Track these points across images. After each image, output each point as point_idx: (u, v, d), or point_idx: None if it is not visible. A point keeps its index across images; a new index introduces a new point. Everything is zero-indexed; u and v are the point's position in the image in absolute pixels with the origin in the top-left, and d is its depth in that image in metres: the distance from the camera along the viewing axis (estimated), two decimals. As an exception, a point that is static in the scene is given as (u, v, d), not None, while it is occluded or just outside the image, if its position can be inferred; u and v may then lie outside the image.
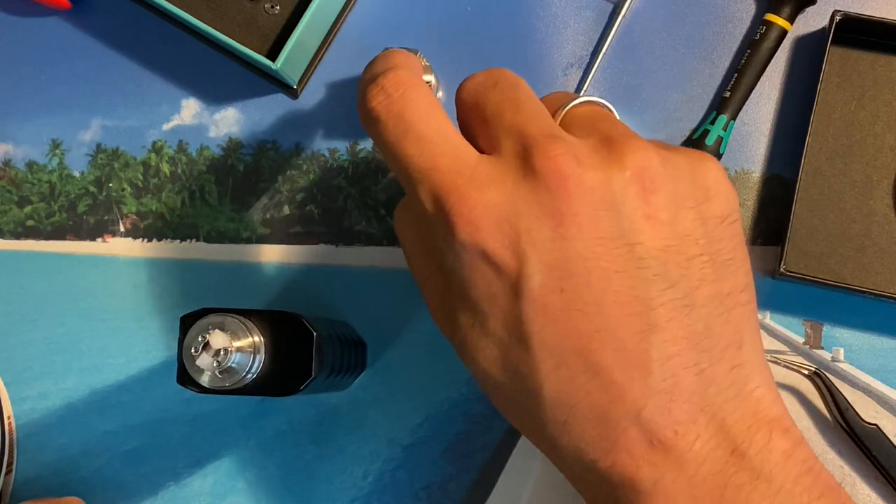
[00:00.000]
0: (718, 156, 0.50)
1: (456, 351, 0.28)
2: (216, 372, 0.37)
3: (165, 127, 0.54)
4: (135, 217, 0.53)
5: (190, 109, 0.54)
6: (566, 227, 0.24)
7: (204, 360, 0.36)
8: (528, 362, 0.24)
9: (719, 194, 0.26)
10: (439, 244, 0.25)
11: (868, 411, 0.48)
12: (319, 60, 0.53)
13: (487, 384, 0.26)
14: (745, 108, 0.50)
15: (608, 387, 0.23)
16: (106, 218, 0.53)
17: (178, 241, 0.53)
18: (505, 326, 0.24)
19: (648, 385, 0.23)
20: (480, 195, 0.24)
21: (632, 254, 0.24)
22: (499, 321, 0.24)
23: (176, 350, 0.38)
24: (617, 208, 0.24)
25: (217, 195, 0.53)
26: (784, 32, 0.50)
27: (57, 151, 0.54)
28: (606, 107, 0.32)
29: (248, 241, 0.53)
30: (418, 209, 0.26)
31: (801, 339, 0.49)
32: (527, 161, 0.25)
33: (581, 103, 0.30)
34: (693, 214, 0.25)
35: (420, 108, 0.28)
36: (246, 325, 0.38)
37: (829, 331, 0.49)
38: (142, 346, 0.52)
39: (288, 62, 0.49)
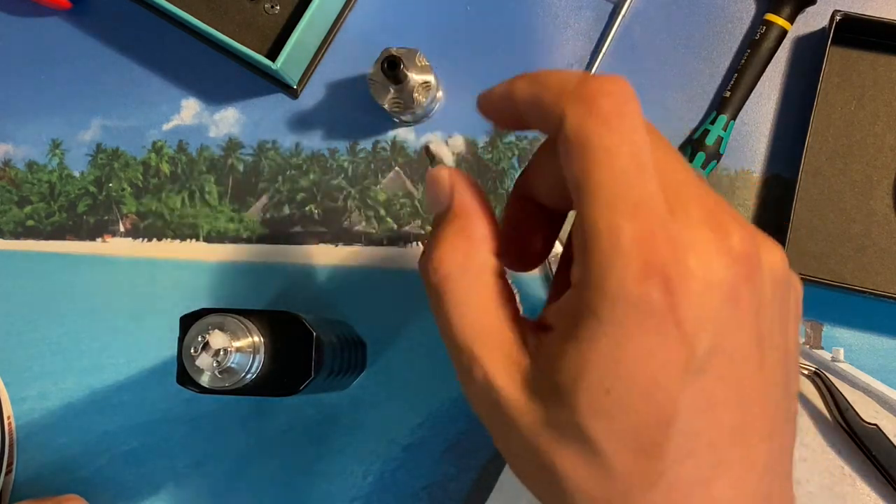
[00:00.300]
0: (718, 156, 0.50)
1: (532, 425, 0.24)
2: (216, 372, 0.37)
3: (165, 127, 0.54)
4: (135, 217, 0.53)
5: (190, 109, 0.54)
6: (743, 315, 0.23)
7: (204, 360, 0.36)
8: (661, 444, 0.22)
9: (800, 301, 0.27)
10: (606, 282, 0.22)
11: (868, 411, 0.48)
12: (319, 60, 0.53)
13: (594, 464, 0.23)
14: (745, 108, 0.50)
15: (722, 485, 0.23)
16: (106, 218, 0.53)
17: (178, 241, 0.53)
18: (652, 401, 0.22)
19: (755, 490, 0.24)
20: (683, 255, 0.22)
21: (771, 354, 0.24)
22: (647, 394, 0.22)
23: (176, 350, 0.38)
24: (771, 305, 0.24)
25: (217, 195, 0.53)
26: (784, 32, 0.50)
27: (57, 151, 0.54)
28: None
29: (248, 241, 0.53)
30: (592, 228, 0.23)
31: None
32: (722, 237, 0.23)
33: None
34: (795, 319, 0.26)
35: (644, 136, 0.24)
36: (246, 325, 0.38)
37: (829, 331, 0.49)
38: (142, 346, 0.52)
39: (288, 62, 0.49)
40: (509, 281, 0.27)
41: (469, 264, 0.26)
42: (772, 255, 0.25)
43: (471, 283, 0.26)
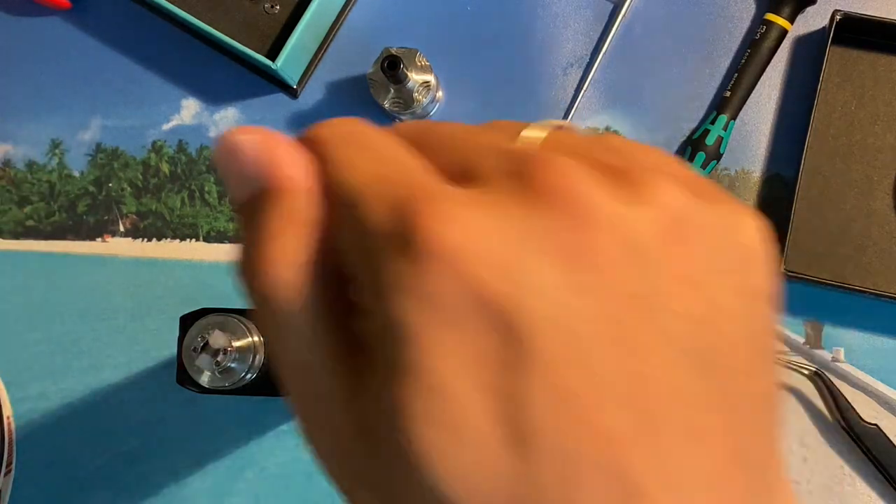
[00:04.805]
0: (718, 156, 0.50)
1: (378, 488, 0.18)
2: (216, 372, 0.37)
3: (165, 127, 0.54)
4: (135, 217, 0.53)
5: (190, 109, 0.54)
6: (584, 271, 0.16)
7: (204, 360, 0.36)
8: (528, 473, 0.16)
9: (763, 261, 0.19)
10: (377, 287, 0.17)
11: (868, 411, 0.48)
12: (319, 60, 0.53)
13: None
14: (745, 107, 0.50)
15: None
16: (106, 218, 0.53)
17: (178, 241, 0.53)
18: (495, 417, 0.16)
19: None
20: (462, 211, 0.16)
21: (663, 324, 0.17)
22: (484, 409, 0.16)
23: (176, 350, 0.38)
24: (643, 256, 0.17)
25: (217, 195, 0.53)
26: (784, 32, 0.50)
27: (56, 151, 0.54)
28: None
29: (248, 241, 0.53)
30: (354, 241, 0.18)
31: (801, 339, 0.49)
32: (522, 178, 0.17)
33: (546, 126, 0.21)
34: (731, 282, 0.18)
35: (386, 137, 0.19)
36: (245, 325, 0.38)
37: (829, 331, 0.49)
38: (142, 346, 0.52)
39: (288, 62, 0.49)
40: None
41: (306, 259, 0.19)
42: (639, 190, 0.18)
43: (307, 286, 0.18)
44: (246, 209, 0.19)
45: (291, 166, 0.18)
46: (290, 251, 0.18)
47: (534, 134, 0.20)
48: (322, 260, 0.18)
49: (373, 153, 0.18)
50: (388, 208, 0.17)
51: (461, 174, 0.18)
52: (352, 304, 0.18)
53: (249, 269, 0.18)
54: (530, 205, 0.17)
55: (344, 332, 0.18)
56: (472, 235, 0.16)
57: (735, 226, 0.19)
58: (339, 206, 0.18)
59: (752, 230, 0.19)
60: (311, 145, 0.19)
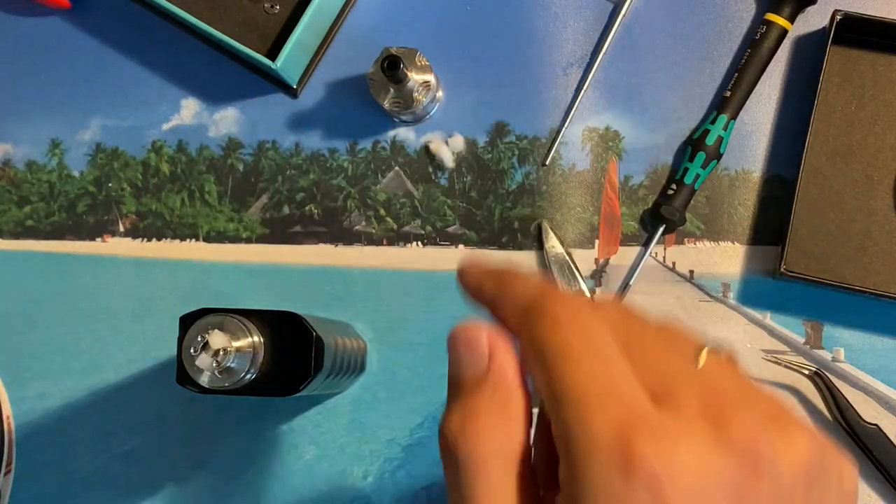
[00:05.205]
0: (718, 156, 0.50)
1: None
2: (215, 372, 0.37)
3: (165, 127, 0.54)
4: (135, 217, 0.53)
5: (190, 109, 0.54)
6: None
7: (203, 360, 0.36)
8: None
9: (848, 487, 0.25)
10: (584, 481, 0.21)
11: (868, 411, 0.48)
12: (319, 60, 0.53)
13: None
14: (745, 107, 0.50)
15: None
16: (106, 218, 0.53)
17: (178, 241, 0.53)
18: None
19: None
20: (671, 447, 0.21)
21: None
22: None
23: (176, 350, 0.38)
24: (792, 497, 0.22)
25: (217, 195, 0.53)
26: (784, 32, 0.50)
27: (56, 151, 0.54)
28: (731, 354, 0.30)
29: (248, 241, 0.53)
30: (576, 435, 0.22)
31: (801, 339, 0.49)
32: (719, 427, 0.22)
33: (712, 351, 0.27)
34: None
35: (607, 335, 0.24)
36: (245, 325, 0.38)
37: (829, 331, 0.49)
38: (142, 346, 0.52)
39: (288, 62, 0.49)
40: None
41: (507, 449, 0.24)
42: (790, 442, 0.23)
43: (505, 471, 0.24)
44: (461, 382, 0.25)
45: (510, 368, 0.24)
46: (492, 431, 0.24)
47: (707, 358, 0.25)
48: (513, 437, 0.24)
49: (593, 356, 0.23)
50: (608, 422, 0.21)
51: (661, 394, 0.23)
52: (533, 474, 0.24)
53: (455, 434, 0.24)
54: (720, 448, 0.21)
55: (524, 494, 0.23)
56: (674, 467, 0.20)
57: (841, 472, 0.24)
58: (553, 400, 0.22)
59: (853, 477, 0.25)
60: (538, 318, 0.24)
